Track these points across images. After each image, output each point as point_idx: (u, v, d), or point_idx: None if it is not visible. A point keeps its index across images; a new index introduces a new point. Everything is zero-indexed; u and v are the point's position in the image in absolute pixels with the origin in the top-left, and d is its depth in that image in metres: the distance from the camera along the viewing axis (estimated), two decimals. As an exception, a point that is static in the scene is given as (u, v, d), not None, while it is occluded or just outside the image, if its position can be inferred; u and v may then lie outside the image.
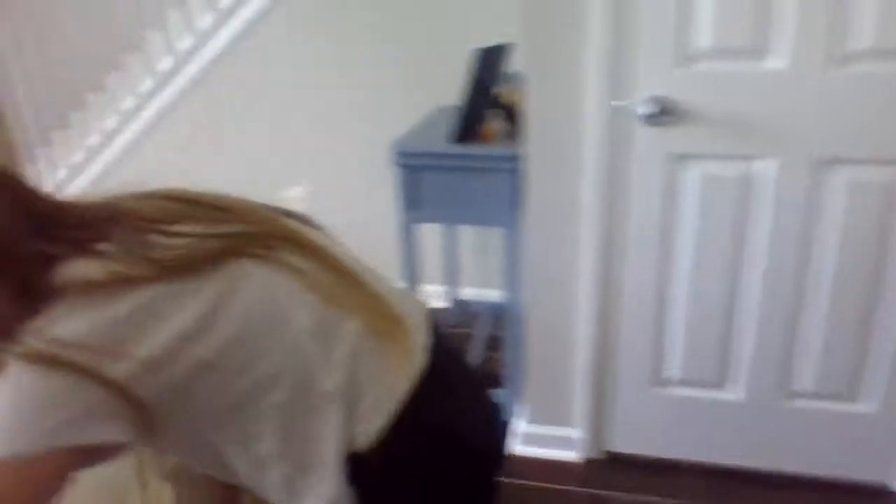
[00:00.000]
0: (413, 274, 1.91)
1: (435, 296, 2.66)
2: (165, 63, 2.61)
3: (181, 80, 2.60)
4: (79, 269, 0.67)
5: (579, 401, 1.81)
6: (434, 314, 0.96)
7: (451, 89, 2.30)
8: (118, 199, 0.77)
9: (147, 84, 2.66)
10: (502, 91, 1.88)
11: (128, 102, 2.71)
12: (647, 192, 1.56)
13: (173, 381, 0.68)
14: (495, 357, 2.33)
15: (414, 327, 0.87)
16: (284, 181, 2.65)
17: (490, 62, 1.75)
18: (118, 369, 0.64)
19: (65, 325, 0.63)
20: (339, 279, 0.82)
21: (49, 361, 0.61)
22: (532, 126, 1.57)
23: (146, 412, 0.66)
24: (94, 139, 2.81)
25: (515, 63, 1.96)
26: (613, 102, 1.49)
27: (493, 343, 2.40)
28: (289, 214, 0.89)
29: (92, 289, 0.65)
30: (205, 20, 2.50)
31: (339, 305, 0.79)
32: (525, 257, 1.70)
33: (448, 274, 2.53)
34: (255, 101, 2.57)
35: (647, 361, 1.72)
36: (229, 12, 2.46)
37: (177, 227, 0.74)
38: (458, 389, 0.92)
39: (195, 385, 0.70)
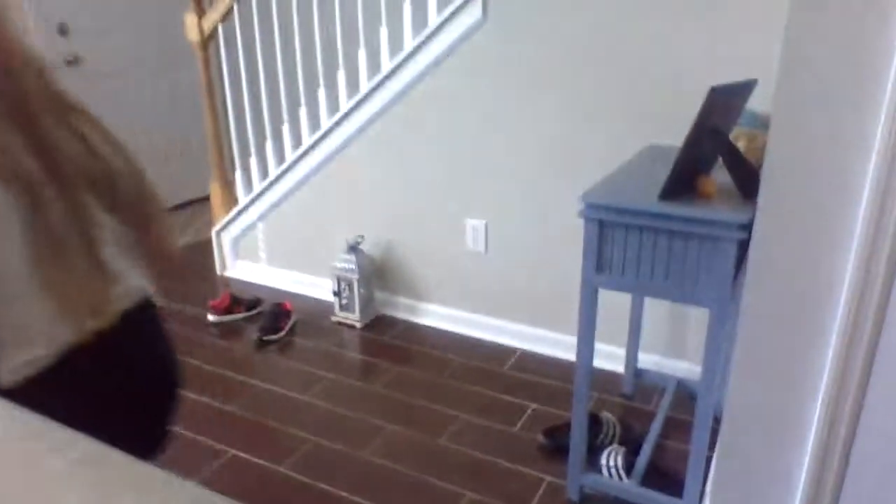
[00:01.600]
0: (590, 335, 1.64)
1: (608, 357, 2.35)
2: (364, 82, 2.60)
3: (379, 99, 2.56)
4: None
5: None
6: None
7: (670, 127, 2.02)
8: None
9: (346, 103, 2.67)
10: (741, 135, 1.55)
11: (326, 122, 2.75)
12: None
13: None
14: (673, 447, 1.97)
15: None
16: (469, 210, 2.51)
17: (727, 102, 1.44)
18: None
19: None
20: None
21: None
22: (773, 180, 1.23)
23: None
24: (289, 154, 2.90)
25: (758, 102, 1.63)
26: None
27: (673, 428, 2.05)
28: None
29: None
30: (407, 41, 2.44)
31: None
32: (738, 342, 1.36)
33: (628, 334, 2.21)
34: (448, 125, 2.46)
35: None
36: (430, 35, 2.37)
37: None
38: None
39: None
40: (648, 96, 2.06)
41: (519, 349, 2.53)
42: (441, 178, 2.53)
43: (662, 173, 1.65)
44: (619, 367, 2.34)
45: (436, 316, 2.72)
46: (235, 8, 2.87)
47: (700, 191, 1.49)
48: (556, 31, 2.13)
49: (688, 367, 2.25)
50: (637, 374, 2.25)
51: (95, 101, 3.82)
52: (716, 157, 1.56)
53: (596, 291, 1.58)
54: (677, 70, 2.00)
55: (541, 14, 2.15)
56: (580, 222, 1.55)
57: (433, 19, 2.36)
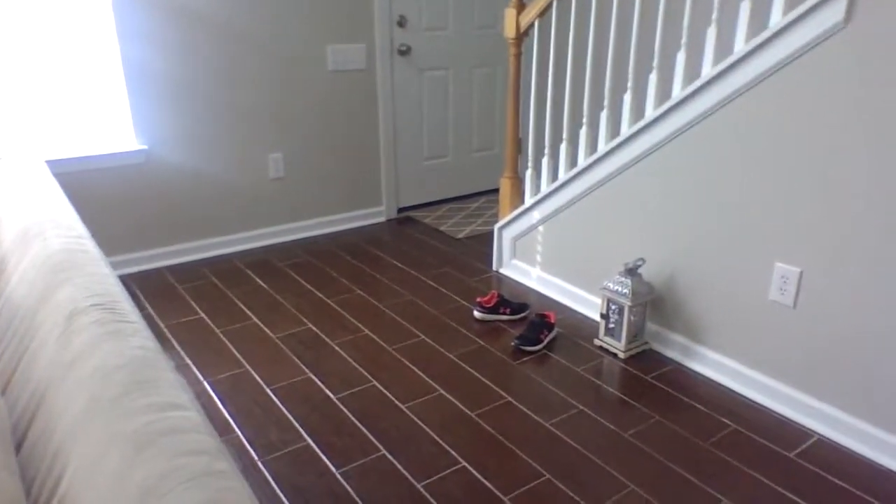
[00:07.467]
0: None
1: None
2: (677, 89, 2.29)
3: (692, 109, 2.24)
4: None
5: None
6: None
7: None
8: None
9: (652, 111, 2.39)
10: None
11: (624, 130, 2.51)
12: None
13: None
14: None
15: None
16: (780, 253, 2.07)
17: None
18: None
19: None
20: None
21: None
22: None
23: None
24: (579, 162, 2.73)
25: None
26: None
27: None
28: None
29: None
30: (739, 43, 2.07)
31: None
32: None
33: None
34: (773, 147, 2.04)
35: None
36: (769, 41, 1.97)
37: None
38: None
39: None
40: None
41: (817, 434, 2.03)
42: (751, 208, 2.12)
43: None
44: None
45: (713, 364, 2.33)
46: (554, 4, 2.77)
47: None
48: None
49: None
50: None
51: (419, 87, 4.11)
52: None
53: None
54: None
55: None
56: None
57: (775, 20, 1.96)
